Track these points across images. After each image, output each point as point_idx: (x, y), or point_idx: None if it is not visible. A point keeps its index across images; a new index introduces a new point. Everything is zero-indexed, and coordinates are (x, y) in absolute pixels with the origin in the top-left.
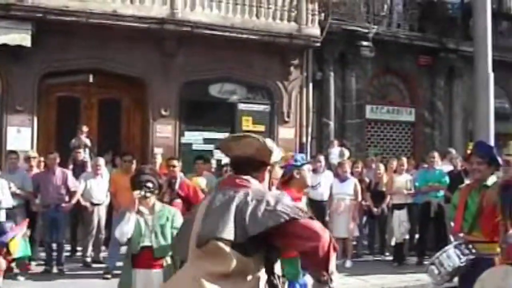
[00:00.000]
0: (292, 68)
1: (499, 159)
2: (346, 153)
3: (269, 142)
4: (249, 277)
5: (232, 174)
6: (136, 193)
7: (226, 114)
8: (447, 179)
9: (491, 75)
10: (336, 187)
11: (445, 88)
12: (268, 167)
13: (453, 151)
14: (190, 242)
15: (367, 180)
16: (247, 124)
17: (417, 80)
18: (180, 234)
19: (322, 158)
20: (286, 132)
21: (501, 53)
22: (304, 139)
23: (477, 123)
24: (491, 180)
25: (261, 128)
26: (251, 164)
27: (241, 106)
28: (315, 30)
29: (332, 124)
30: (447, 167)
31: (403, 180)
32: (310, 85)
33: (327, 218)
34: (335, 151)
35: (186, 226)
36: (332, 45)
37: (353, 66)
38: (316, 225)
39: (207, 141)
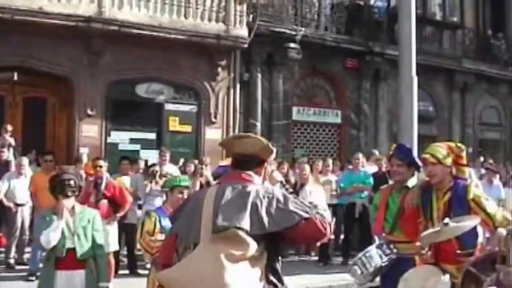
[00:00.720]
0: (219, 69)
1: (418, 162)
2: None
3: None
4: (258, 261)
5: (235, 170)
6: (66, 202)
7: (153, 114)
8: (371, 180)
9: (415, 79)
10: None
11: (371, 91)
12: (266, 164)
13: (376, 152)
14: (202, 228)
15: (292, 181)
16: (174, 124)
17: (344, 83)
18: (187, 219)
19: None
20: (213, 133)
21: (425, 57)
22: None
23: (401, 125)
24: (412, 181)
25: (188, 128)
26: (253, 161)
27: (168, 106)
28: (243, 31)
29: (259, 125)
30: (372, 169)
31: (329, 181)
32: (238, 86)
33: None
34: None
35: (192, 212)
36: (259, 47)
37: (281, 67)
38: (321, 222)
39: (133, 141)
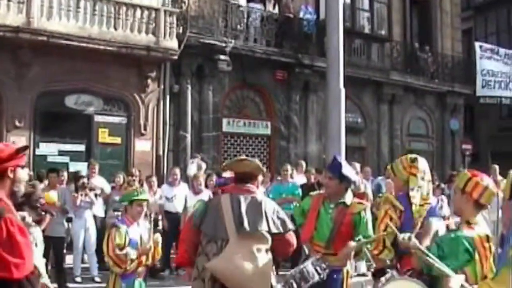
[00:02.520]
0: (149, 81)
1: (349, 177)
2: (203, 166)
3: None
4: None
5: (239, 184)
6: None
7: (82, 125)
8: (299, 191)
9: (343, 91)
10: (190, 199)
11: (301, 103)
12: (259, 178)
13: (303, 163)
14: (228, 228)
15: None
16: (103, 136)
17: (274, 94)
18: (212, 220)
19: (177, 171)
20: (142, 145)
21: (353, 69)
22: (160, 152)
23: (330, 137)
24: (348, 197)
25: (118, 140)
26: (250, 177)
27: (98, 118)
28: (173, 43)
29: (189, 136)
30: (301, 180)
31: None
32: (167, 97)
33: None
34: (192, 164)
35: (215, 215)
36: (189, 58)
37: (211, 79)
38: (294, 237)
39: (62, 153)
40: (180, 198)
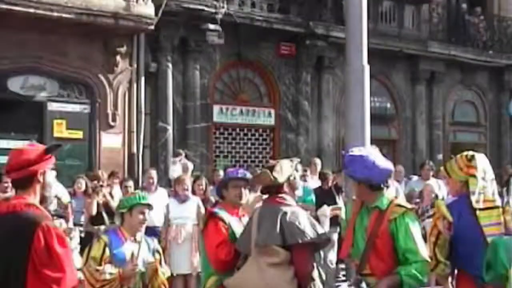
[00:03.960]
0: (118, 58)
1: (370, 175)
2: (190, 166)
3: (277, 174)
4: (291, 265)
5: (271, 195)
6: None
7: (32, 116)
8: (313, 197)
9: (367, 68)
10: (174, 209)
11: (313, 84)
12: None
13: (317, 162)
14: (252, 243)
15: (213, 200)
16: (59, 129)
17: (278, 74)
18: (244, 235)
19: (153, 173)
20: (111, 140)
21: (381, 40)
22: (134, 149)
23: (350, 127)
24: (384, 199)
25: (78, 134)
26: (276, 187)
27: (52, 106)
28: (148, 9)
29: (170, 129)
30: (315, 183)
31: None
32: (142, 79)
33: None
34: (176, 164)
35: (248, 229)
36: (170, 29)
37: (197, 55)
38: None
39: (5, 151)
40: (158, 208)
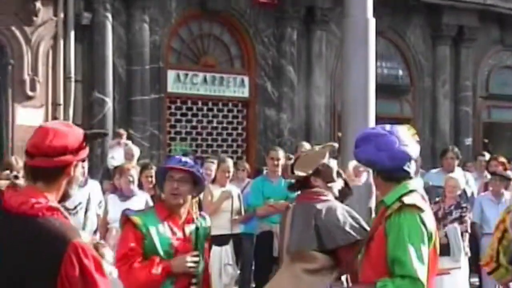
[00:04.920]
0: (38, 4)
1: (378, 160)
2: (136, 151)
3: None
4: (334, 270)
5: (306, 190)
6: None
7: None
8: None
9: (372, 22)
10: (114, 209)
11: (300, 44)
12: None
13: (306, 146)
14: (284, 248)
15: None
16: None
17: (254, 30)
18: (279, 240)
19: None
20: (29, 115)
21: None
22: None
23: (349, 102)
24: (393, 193)
25: None
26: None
27: None
28: None
29: (109, 102)
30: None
31: (226, 193)
32: (72, 34)
33: None
34: (116, 149)
35: (281, 233)
36: None
37: (147, 3)
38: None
39: None
40: (90, 207)
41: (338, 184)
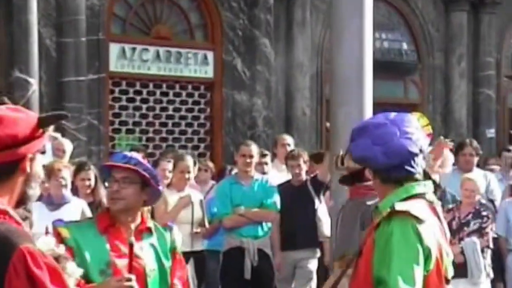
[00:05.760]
0: None
1: (371, 155)
2: (68, 147)
3: None
4: None
5: (359, 184)
6: None
7: None
8: (276, 198)
9: None
10: (42, 220)
11: (278, 10)
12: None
13: (286, 139)
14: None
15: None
16: None
17: None
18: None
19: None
20: None
21: None
22: None
23: (340, 82)
24: (389, 198)
25: None
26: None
27: None
28: None
29: (34, 83)
30: (281, 175)
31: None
32: None
33: None
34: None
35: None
36: None
37: None
38: None
39: None
40: None
41: None
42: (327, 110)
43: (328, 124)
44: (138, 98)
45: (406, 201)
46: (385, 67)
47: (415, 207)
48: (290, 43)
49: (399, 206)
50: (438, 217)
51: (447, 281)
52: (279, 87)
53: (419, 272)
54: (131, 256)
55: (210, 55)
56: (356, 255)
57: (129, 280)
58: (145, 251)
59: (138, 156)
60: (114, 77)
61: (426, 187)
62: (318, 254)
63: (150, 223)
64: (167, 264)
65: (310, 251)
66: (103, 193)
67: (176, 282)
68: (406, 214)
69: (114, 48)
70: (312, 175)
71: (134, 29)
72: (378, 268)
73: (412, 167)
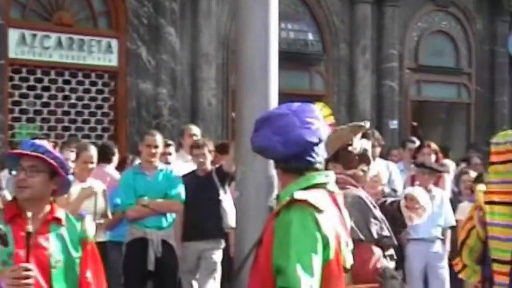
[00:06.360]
0: None
1: (270, 144)
2: None
3: None
4: None
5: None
6: None
7: None
8: (181, 189)
9: None
10: None
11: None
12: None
13: (192, 129)
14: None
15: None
16: None
17: None
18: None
19: None
20: None
21: None
22: None
23: (244, 73)
24: (297, 185)
25: None
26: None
27: None
28: None
29: None
30: (185, 165)
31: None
32: None
33: None
34: None
35: None
36: None
37: None
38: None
39: None
40: None
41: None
42: (233, 101)
43: (234, 114)
44: (39, 86)
45: (306, 191)
46: (291, 58)
47: (315, 196)
48: (196, 33)
49: (298, 195)
50: (339, 208)
51: (346, 270)
52: (185, 77)
53: (317, 261)
54: (28, 245)
55: (114, 43)
56: (256, 245)
57: (27, 270)
58: (51, 241)
59: (47, 144)
60: (14, 64)
61: (327, 177)
62: (223, 245)
63: (61, 213)
64: (76, 254)
65: (215, 242)
66: None
67: (89, 276)
68: (305, 203)
69: (13, 34)
70: (217, 166)
71: (35, 15)
72: (277, 256)
73: (312, 157)
